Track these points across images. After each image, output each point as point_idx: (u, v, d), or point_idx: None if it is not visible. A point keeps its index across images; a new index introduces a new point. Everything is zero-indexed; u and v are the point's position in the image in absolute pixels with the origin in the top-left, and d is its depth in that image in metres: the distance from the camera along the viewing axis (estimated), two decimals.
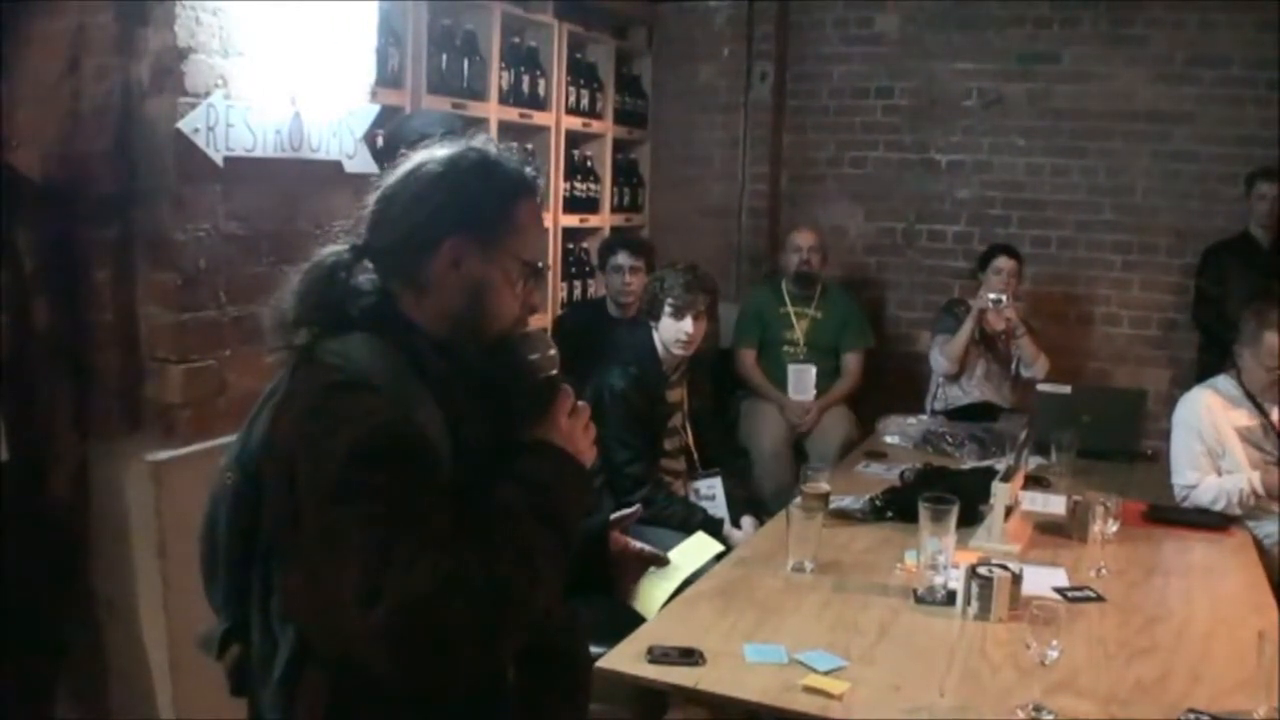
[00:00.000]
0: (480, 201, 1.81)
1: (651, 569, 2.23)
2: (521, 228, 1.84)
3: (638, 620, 2.76)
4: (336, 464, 1.59)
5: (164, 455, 3.12)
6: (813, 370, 5.72)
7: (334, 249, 1.83)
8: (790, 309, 5.85)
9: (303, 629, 1.72)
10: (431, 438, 1.67)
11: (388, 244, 1.82)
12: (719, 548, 2.57)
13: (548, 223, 5.57)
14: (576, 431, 1.85)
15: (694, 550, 2.49)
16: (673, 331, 4.20)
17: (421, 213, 1.80)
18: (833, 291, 5.98)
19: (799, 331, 5.80)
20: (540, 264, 1.91)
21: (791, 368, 5.75)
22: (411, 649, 1.52)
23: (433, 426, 1.68)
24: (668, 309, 4.19)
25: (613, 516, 2.20)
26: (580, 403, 1.89)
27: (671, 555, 2.28)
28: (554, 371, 1.91)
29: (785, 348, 5.81)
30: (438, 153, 1.86)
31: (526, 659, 1.79)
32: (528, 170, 1.90)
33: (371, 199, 1.86)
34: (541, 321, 5.57)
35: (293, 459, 1.65)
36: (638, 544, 2.21)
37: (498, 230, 1.81)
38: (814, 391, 5.71)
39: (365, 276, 1.84)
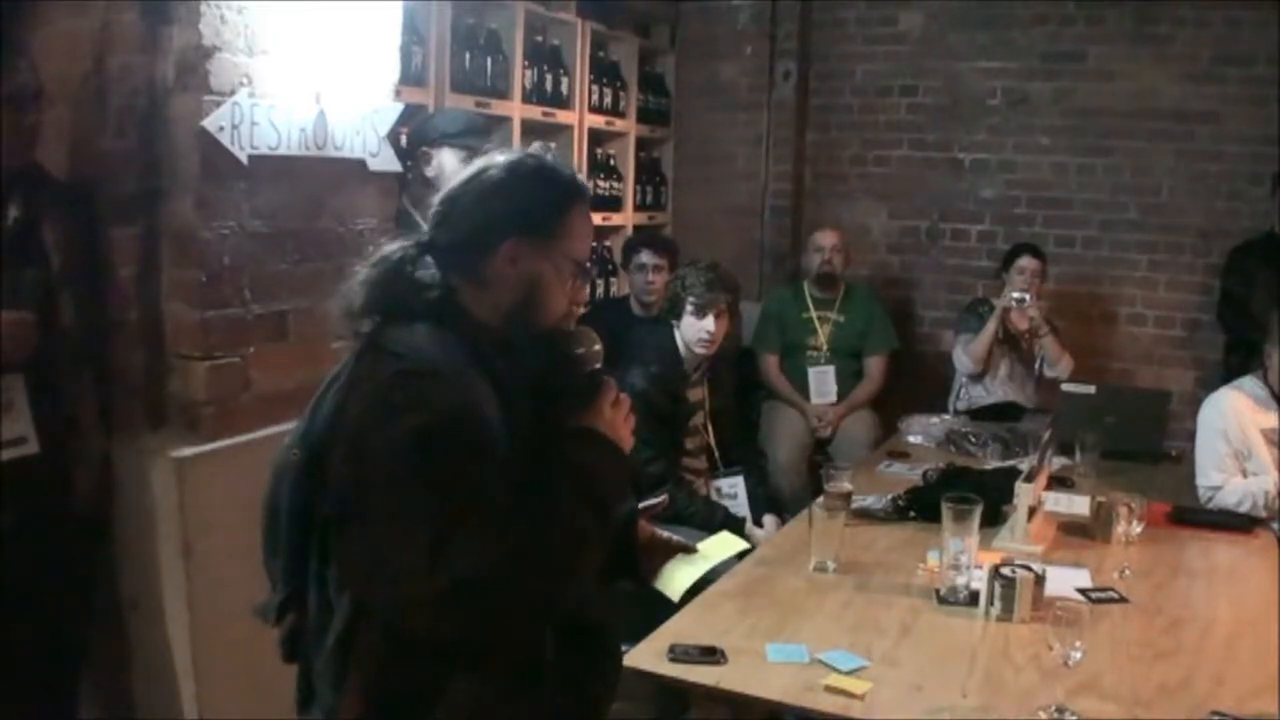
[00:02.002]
0: (537, 206, 1.97)
1: (679, 555, 2.36)
2: (574, 230, 2.01)
3: (660, 615, 2.77)
4: (405, 445, 1.70)
5: (188, 452, 3.13)
6: (832, 373, 5.73)
7: (400, 244, 1.99)
8: (813, 313, 5.84)
9: (359, 597, 1.82)
10: (490, 422, 1.79)
11: (450, 242, 1.97)
12: (744, 545, 2.62)
13: None
14: (618, 421, 1.95)
15: (719, 544, 2.54)
16: (694, 330, 4.20)
17: (483, 215, 1.96)
18: (856, 293, 5.96)
19: (822, 336, 5.79)
20: (588, 263, 2.08)
21: (812, 371, 5.74)
22: (467, 618, 1.66)
23: (490, 412, 1.80)
24: (689, 308, 4.19)
25: (641, 505, 2.34)
26: (622, 394, 1.99)
27: (699, 546, 2.40)
28: (599, 365, 2.03)
29: (808, 352, 5.80)
30: (499, 159, 2.01)
31: (565, 633, 1.92)
32: (579, 177, 2.09)
33: (436, 199, 2.03)
34: None
35: (361, 439, 1.76)
36: (665, 533, 2.38)
37: (552, 232, 1.97)
38: (835, 395, 5.70)
39: (427, 271, 1.96)
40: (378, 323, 1.93)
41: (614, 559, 2.18)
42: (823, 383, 5.75)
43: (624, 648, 2.62)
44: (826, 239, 5.88)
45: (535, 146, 2.09)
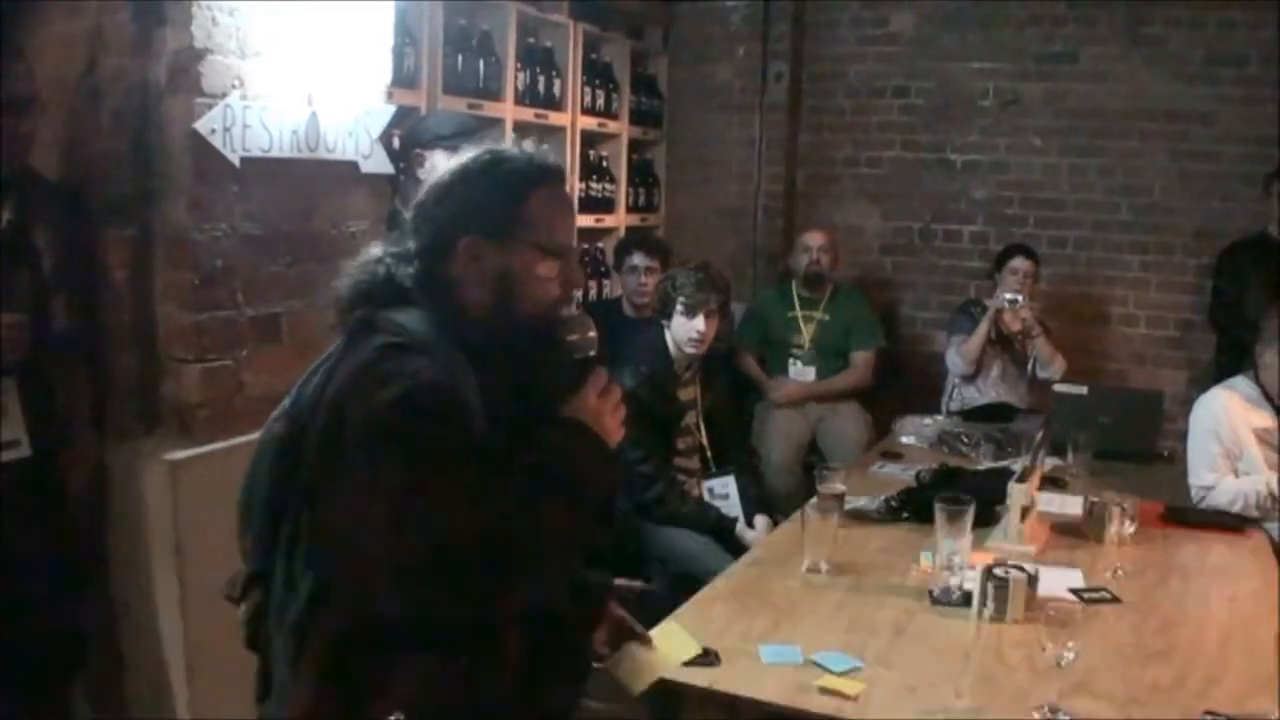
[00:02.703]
0: (490, 200, 1.96)
1: (634, 645, 2.35)
2: (534, 218, 1.96)
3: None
4: (383, 411, 1.74)
5: (181, 455, 3.13)
6: (813, 371, 5.78)
7: (380, 249, 2.03)
8: (798, 313, 5.87)
9: (324, 574, 1.82)
10: (469, 401, 1.81)
11: (420, 247, 1.98)
12: (696, 649, 2.53)
13: None
14: (605, 411, 1.94)
15: (673, 643, 2.50)
16: (685, 330, 4.21)
17: (440, 216, 1.98)
18: (842, 293, 5.98)
19: (805, 335, 5.81)
20: (566, 248, 2.03)
21: (793, 369, 5.79)
22: (426, 585, 1.68)
23: (471, 392, 1.82)
24: (679, 307, 4.20)
25: (617, 582, 2.38)
26: (612, 384, 1.98)
27: (654, 634, 2.39)
28: (592, 352, 2.00)
29: (792, 350, 5.82)
30: (456, 160, 2.05)
31: (532, 625, 1.92)
32: (541, 161, 2.04)
33: (413, 202, 2.06)
34: None
35: (341, 408, 1.80)
36: (626, 618, 2.36)
37: (509, 224, 1.95)
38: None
39: (409, 273, 1.98)
40: (369, 309, 1.94)
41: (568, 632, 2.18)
42: (802, 379, 5.80)
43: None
44: (814, 239, 5.90)
45: (502, 141, 2.12)
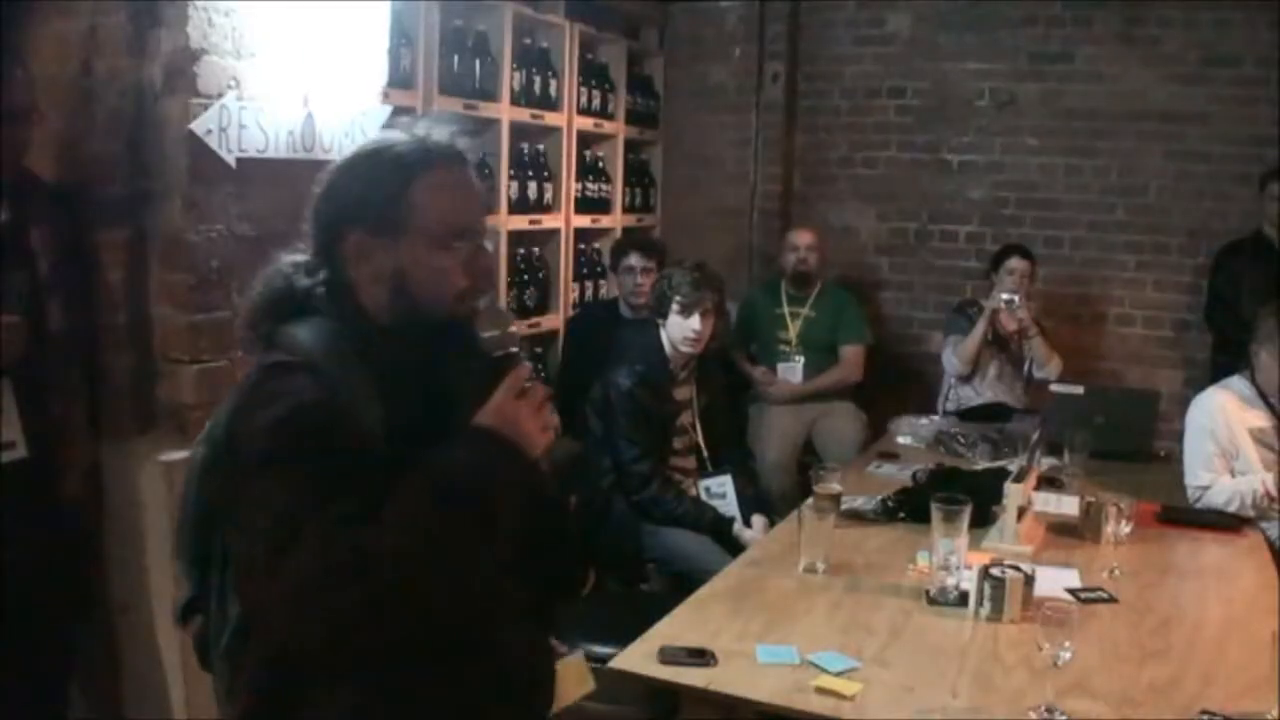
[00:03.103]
0: (370, 193, 1.82)
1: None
2: (424, 206, 1.82)
3: (650, 616, 2.77)
4: (261, 437, 1.65)
5: (177, 455, 3.13)
6: (800, 366, 5.79)
7: (289, 255, 1.91)
8: (785, 309, 5.88)
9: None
10: (361, 420, 1.70)
11: (313, 251, 1.88)
12: (587, 689, 2.31)
13: (558, 223, 5.59)
14: (522, 414, 1.77)
15: (572, 676, 2.27)
16: (680, 329, 4.21)
17: (324, 213, 1.87)
18: (829, 290, 5.99)
19: (792, 331, 5.83)
20: (465, 234, 1.86)
21: (781, 365, 5.80)
22: (305, 622, 1.57)
23: (365, 408, 1.71)
24: (675, 306, 4.20)
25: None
26: (534, 383, 1.81)
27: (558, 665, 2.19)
28: (513, 349, 1.85)
29: (779, 347, 5.83)
30: (347, 153, 1.93)
31: (459, 650, 1.79)
32: (429, 143, 1.87)
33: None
34: (553, 323, 5.59)
35: (231, 433, 1.72)
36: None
37: (395, 217, 1.81)
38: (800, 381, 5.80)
39: (319, 275, 1.87)
40: (270, 325, 1.83)
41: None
42: (790, 375, 5.81)
43: (612, 650, 2.64)
44: (802, 238, 5.94)
45: (406, 123, 1.95)
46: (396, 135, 1.89)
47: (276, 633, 1.62)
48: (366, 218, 1.82)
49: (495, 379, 1.78)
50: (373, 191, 1.82)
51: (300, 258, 1.89)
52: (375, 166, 1.85)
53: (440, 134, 1.90)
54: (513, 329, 1.87)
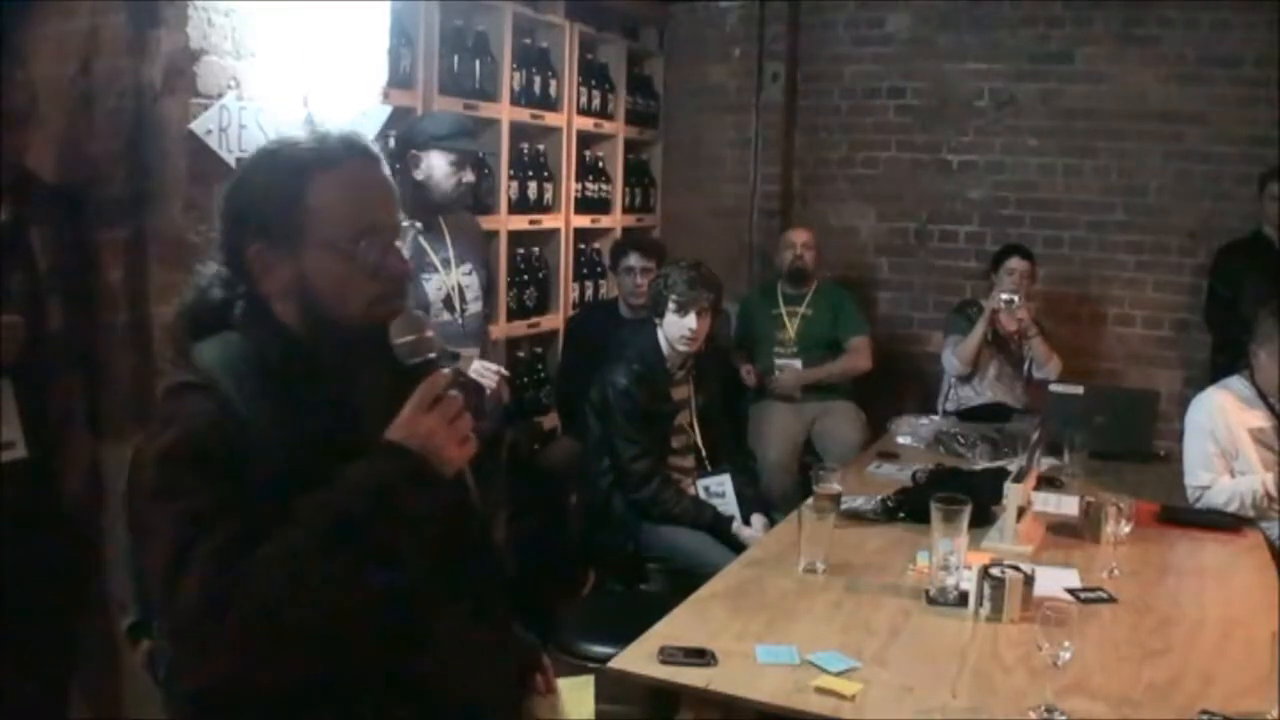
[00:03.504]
0: (265, 201, 1.72)
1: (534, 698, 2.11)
2: (318, 209, 1.70)
3: (649, 617, 2.77)
4: (151, 466, 1.60)
5: None
6: (798, 365, 5.79)
7: (208, 266, 1.82)
8: (782, 309, 5.89)
9: None
10: (258, 441, 1.61)
11: (223, 259, 1.79)
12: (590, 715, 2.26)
13: (558, 223, 5.59)
14: (435, 428, 1.66)
15: (572, 699, 2.21)
16: (677, 328, 4.21)
17: (223, 227, 1.78)
18: (825, 289, 5.99)
19: (790, 331, 5.84)
20: (364, 232, 1.72)
21: (779, 364, 5.80)
22: (195, 657, 1.54)
23: (267, 427, 1.63)
24: (671, 305, 4.20)
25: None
26: (452, 393, 1.69)
27: (560, 684, 2.16)
28: (431, 355, 1.73)
29: (777, 347, 5.84)
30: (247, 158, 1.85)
31: (384, 694, 1.70)
32: (327, 141, 1.75)
33: None
34: (553, 322, 5.59)
35: (134, 460, 1.68)
36: (547, 668, 2.14)
37: (292, 224, 1.70)
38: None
39: (238, 287, 1.78)
40: (186, 340, 1.75)
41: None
42: (787, 372, 5.81)
43: (612, 650, 2.64)
44: (798, 237, 5.95)
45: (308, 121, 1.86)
46: (295, 136, 1.78)
47: (178, 666, 1.61)
48: (265, 227, 1.71)
49: (412, 390, 1.68)
50: (267, 199, 1.72)
51: (216, 268, 1.79)
52: (269, 171, 1.74)
53: (344, 131, 1.79)
54: (428, 334, 1.75)
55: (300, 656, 1.56)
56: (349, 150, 1.76)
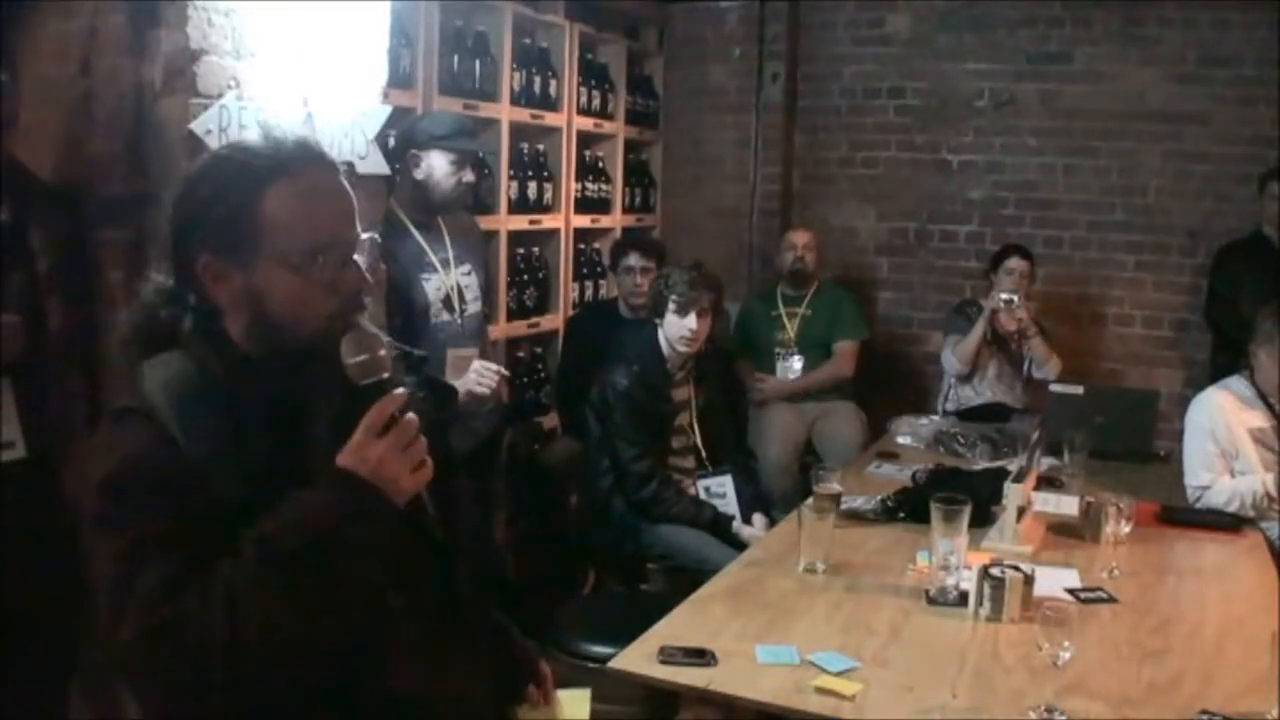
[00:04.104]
0: (217, 210, 1.63)
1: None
2: (274, 221, 1.62)
3: (650, 617, 2.78)
4: (91, 497, 1.56)
5: None
6: (800, 362, 5.79)
7: (157, 277, 1.76)
8: (782, 310, 5.90)
9: None
10: (198, 468, 1.56)
11: (171, 270, 1.71)
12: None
13: (557, 223, 5.59)
14: (385, 455, 1.58)
15: (571, 708, 2.19)
16: (677, 329, 4.22)
17: (175, 235, 1.68)
18: (826, 289, 6.00)
19: (790, 331, 5.84)
20: (319, 247, 1.64)
21: (780, 362, 5.80)
22: (141, 693, 1.54)
23: (208, 453, 1.57)
24: (671, 306, 4.21)
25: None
26: (408, 415, 1.61)
27: (560, 695, 2.14)
28: (384, 374, 1.64)
29: (777, 348, 5.84)
30: (201, 159, 1.76)
31: (348, 707, 1.64)
32: (282, 149, 1.67)
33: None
34: (553, 323, 5.59)
35: (79, 488, 1.63)
36: (545, 679, 2.10)
37: (246, 235, 1.62)
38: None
39: (187, 298, 1.70)
40: (139, 354, 1.68)
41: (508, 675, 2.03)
42: (789, 374, 5.81)
43: (612, 650, 2.64)
44: (799, 238, 5.96)
45: (263, 128, 1.74)
46: (249, 141, 1.71)
47: (136, 694, 1.59)
48: (215, 238, 1.63)
49: (364, 411, 1.60)
50: (217, 207, 1.63)
51: (164, 281, 1.73)
52: (220, 178, 1.65)
53: (298, 138, 1.71)
54: (381, 353, 1.65)
55: (249, 689, 1.50)
56: (306, 158, 1.68)
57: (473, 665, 1.87)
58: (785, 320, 5.85)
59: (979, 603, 2.86)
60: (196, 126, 3.07)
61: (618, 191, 6.29)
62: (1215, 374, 4.93)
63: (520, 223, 5.35)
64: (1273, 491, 3.80)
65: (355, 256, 1.69)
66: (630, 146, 6.52)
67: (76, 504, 1.63)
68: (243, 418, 1.61)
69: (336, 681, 1.62)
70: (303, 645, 1.53)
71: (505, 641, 2.09)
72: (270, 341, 1.65)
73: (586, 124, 5.93)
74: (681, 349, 4.26)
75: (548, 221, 5.59)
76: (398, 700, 1.69)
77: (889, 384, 6.31)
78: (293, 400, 1.67)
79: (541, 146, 5.63)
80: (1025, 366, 5.61)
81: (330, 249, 1.65)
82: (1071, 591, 3.08)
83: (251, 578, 1.49)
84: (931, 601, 2.97)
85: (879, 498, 3.76)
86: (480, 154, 4.40)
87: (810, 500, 3.46)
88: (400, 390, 1.63)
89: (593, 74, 6.08)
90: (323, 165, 1.70)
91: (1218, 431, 3.97)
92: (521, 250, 5.49)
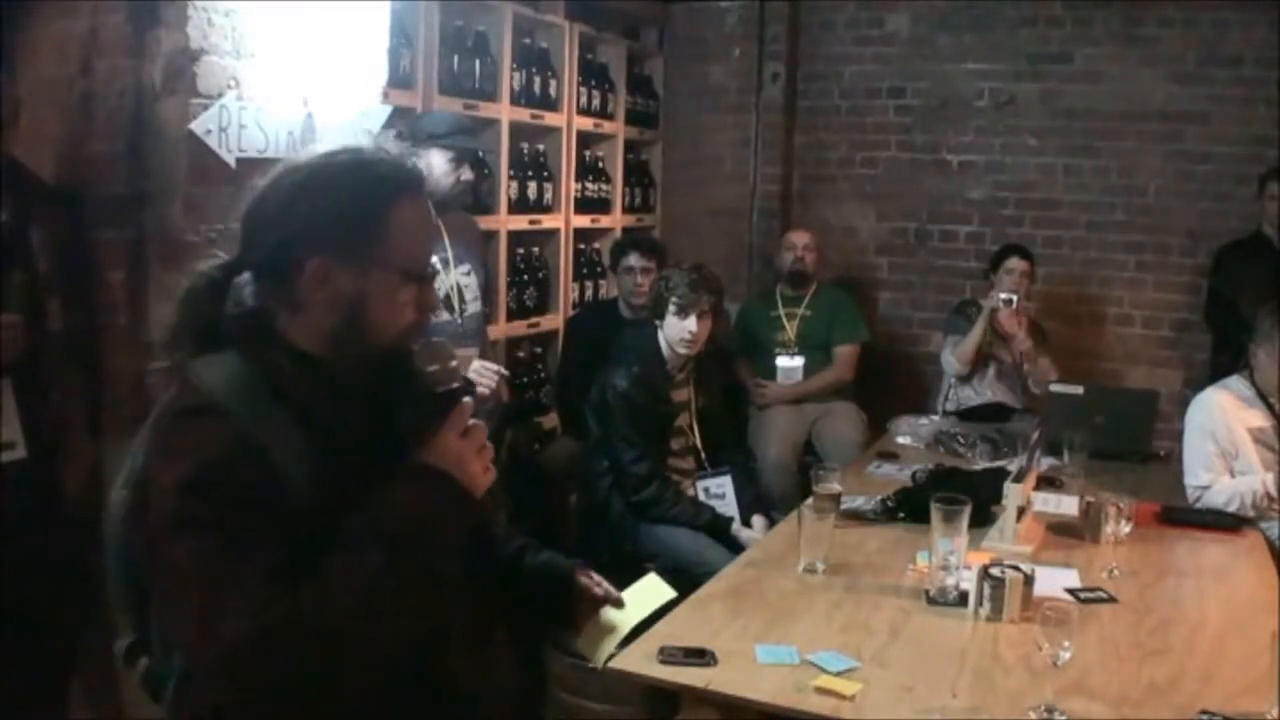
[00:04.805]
0: (347, 213, 1.67)
1: (605, 610, 2.16)
2: (397, 235, 1.69)
3: (647, 622, 2.77)
4: (171, 496, 1.54)
5: None
6: (801, 364, 5.77)
7: (208, 265, 1.75)
8: (781, 311, 5.88)
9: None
10: (280, 466, 1.59)
11: (256, 261, 1.72)
12: (671, 593, 2.40)
13: (558, 223, 5.59)
14: (466, 454, 1.69)
15: (646, 594, 2.33)
16: (677, 330, 4.22)
17: (284, 229, 1.68)
18: (825, 290, 5.99)
19: (790, 332, 5.82)
20: (427, 269, 1.78)
21: (780, 362, 5.78)
22: (243, 690, 1.51)
23: (285, 453, 1.60)
24: (672, 308, 4.21)
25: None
26: (477, 422, 1.72)
27: (625, 595, 2.21)
28: (454, 384, 1.75)
29: (777, 349, 5.83)
30: (307, 156, 1.74)
31: (409, 698, 1.71)
32: (409, 165, 1.75)
33: (242, 210, 1.75)
34: (553, 322, 5.59)
35: (143, 487, 1.63)
36: (601, 586, 2.16)
37: (368, 243, 1.67)
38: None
39: (246, 290, 1.74)
40: (189, 351, 1.70)
41: (550, 613, 2.13)
42: (790, 374, 5.80)
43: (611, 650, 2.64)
44: (799, 238, 5.95)
45: (374, 136, 1.80)
46: (366, 149, 1.74)
47: (216, 698, 1.58)
48: (338, 242, 1.66)
49: (434, 416, 1.70)
50: (350, 214, 1.67)
51: (216, 270, 1.74)
52: (354, 184, 1.69)
53: (407, 155, 1.77)
54: (453, 364, 1.77)
55: (362, 677, 1.58)
56: (420, 182, 1.77)
57: (505, 643, 2.01)
58: (785, 321, 5.84)
59: (979, 603, 2.86)
60: (196, 126, 3.07)
61: (618, 191, 6.29)
62: (1215, 374, 4.92)
63: (520, 223, 5.35)
64: (1273, 491, 3.80)
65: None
66: (630, 146, 6.52)
67: (149, 504, 1.60)
68: (315, 414, 1.65)
69: (414, 668, 1.70)
70: (398, 633, 1.61)
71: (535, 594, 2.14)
72: (352, 345, 1.69)
73: (586, 124, 5.93)
74: (682, 351, 4.26)
75: (548, 221, 5.60)
76: (459, 676, 1.80)
77: (889, 384, 6.31)
78: (367, 402, 1.73)
79: (541, 146, 5.63)
80: (1025, 368, 5.61)
81: (428, 267, 1.78)
82: (1071, 591, 3.08)
83: (360, 570, 1.55)
84: (931, 601, 2.97)
85: (879, 498, 3.76)
86: (479, 152, 4.39)
87: (810, 500, 3.46)
88: (469, 399, 1.74)
89: (593, 74, 6.08)
90: (425, 190, 1.79)
91: (1218, 431, 3.97)
92: (521, 250, 5.49)
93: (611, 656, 2.31)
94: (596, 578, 2.16)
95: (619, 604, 2.17)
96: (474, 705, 1.84)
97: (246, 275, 1.74)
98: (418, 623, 1.65)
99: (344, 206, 1.67)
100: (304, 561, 1.53)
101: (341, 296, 1.67)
